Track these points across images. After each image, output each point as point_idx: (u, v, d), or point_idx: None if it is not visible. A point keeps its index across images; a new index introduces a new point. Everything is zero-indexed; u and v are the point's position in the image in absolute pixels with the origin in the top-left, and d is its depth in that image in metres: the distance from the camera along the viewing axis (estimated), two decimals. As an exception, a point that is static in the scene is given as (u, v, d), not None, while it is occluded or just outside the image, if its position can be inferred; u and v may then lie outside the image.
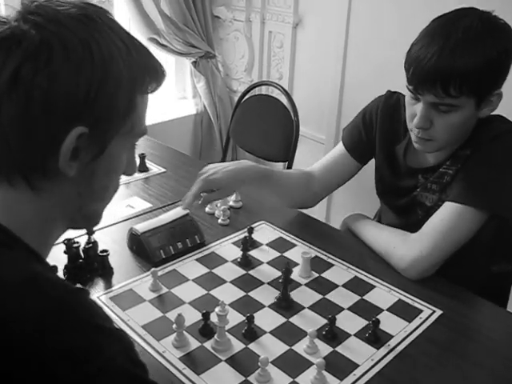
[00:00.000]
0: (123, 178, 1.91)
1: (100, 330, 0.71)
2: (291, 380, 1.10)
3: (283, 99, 2.82)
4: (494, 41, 1.28)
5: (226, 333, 1.19)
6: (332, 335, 1.21)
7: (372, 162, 1.68)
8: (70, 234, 1.48)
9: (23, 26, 0.74)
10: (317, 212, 2.98)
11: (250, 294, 1.35)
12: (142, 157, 2.00)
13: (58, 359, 0.66)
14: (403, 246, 1.42)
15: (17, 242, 0.76)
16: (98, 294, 1.33)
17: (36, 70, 0.72)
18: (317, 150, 2.96)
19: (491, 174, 1.38)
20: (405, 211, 1.59)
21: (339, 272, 1.45)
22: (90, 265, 1.39)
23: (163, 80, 0.87)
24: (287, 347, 1.18)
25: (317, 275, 1.43)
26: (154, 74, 0.85)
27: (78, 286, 1.31)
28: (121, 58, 0.77)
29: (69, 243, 1.36)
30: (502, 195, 1.39)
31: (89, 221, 0.91)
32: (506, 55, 1.31)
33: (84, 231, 1.45)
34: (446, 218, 1.38)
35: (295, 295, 1.34)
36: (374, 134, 1.62)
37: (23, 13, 0.75)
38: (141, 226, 1.49)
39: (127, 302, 1.31)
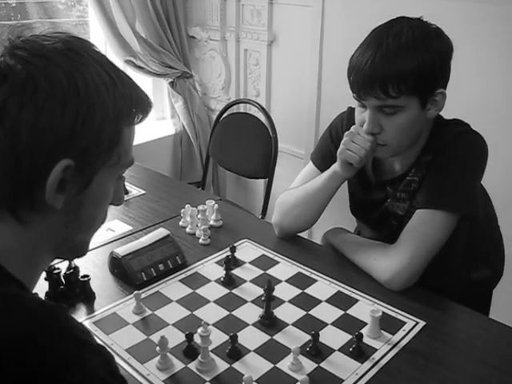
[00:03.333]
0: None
1: (80, 344, 0.71)
2: (277, 398, 1.10)
3: (261, 116, 2.84)
4: (424, 44, 1.33)
5: (210, 353, 1.19)
6: (316, 351, 1.21)
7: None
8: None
9: (9, 61, 0.74)
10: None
11: (233, 312, 1.35)
12: (121, 180, 2.00)
13: (38, 373, 0.66)
14: (383, 259, 1.44)
15: None
16: (80, 319, 1.32)
17: (22, 104, 0.72)
18: (296, 165, 2.96)
19: (454, 176, 1.42)
20: (379, 223, 1.61)
21: (322, 287, 1.46)
22: (72, 290, 1.38)
23: (149, 111, 0.88)
24: (271, 365, 1.18)
25: (300, 291, 1.43)
26: (140, 106, 0.85)
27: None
28: (106, 91, 0.78)
29: (49, 270, 1.35)
30: (467, 194, 1.43)
31: (76, 251, 0.91)
32: (439, 56, 1.35)
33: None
34: (420, 226, 1.41)
35: (278, 312, 1.34)
36: None
37: (9, 48, 0.76)
38: (121, 250, 1.49)
39: (111, 325, 1.30)
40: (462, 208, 1.42)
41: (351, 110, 1.64)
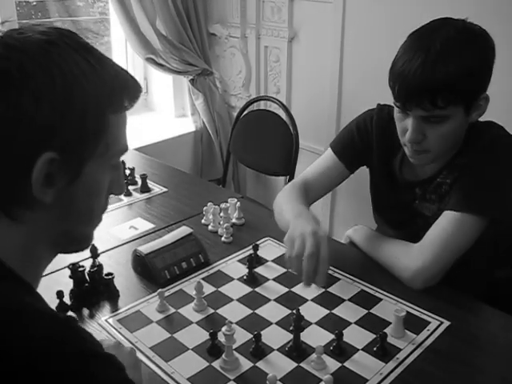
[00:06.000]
0: (125, 200, 1.92)
1: (91, 356, 0.71)
2: (301, 397, 1.10)
3: (281, 113, 2.83)
4: (472, 48, 1.31)
5: (234, 351, 1.19)
6: (340, 350, 1.21)
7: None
8: (74, 258, 1.49)
9: None
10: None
11: (256, 311, 1.35)
12: (144, 177, 2.01)
13: None
14: (406, 257, 1.43)
15: (7, 273, 0.75)
16: (105, 317, 1.33)
17: None
18: (317, 163, 2.96)
19: (488, 180, 1.40)
20: (404, 224, 1.60)
21: (345, 286, 1.45)
22: (96, 288, 1.39)
23: (137, 96, 0.86)
24: (295, 364, 1.18)
25: (323, 290, 1.43)
26: (126, 92, 0.84)
27: (69, 313, 1.32)
28: (86, 81, 0.77)
29: (74, 267, 1.36)
30: (500, 200, 1.40)
31: (78, 244, 0.90)
32: (485, 59, 1.33)
33: (88, 254, 1.45)
34: (446, 227, 1.39)
35: (302, 311, 1.34)
36: (371, 143, 1.62)
37: None
38: (145, 248, 1.49)
39: (135, 323, 1.31)
40: (494, 214, 1.39)
41: (381, 108, 1.62)
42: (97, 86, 0.78)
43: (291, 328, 1.22)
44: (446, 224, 1.40)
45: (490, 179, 1.39)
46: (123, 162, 2.10)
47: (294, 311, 1.23)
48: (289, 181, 2.72)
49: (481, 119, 1.44)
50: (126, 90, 0.84)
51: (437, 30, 1.33)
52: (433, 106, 1.29)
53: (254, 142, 2.91)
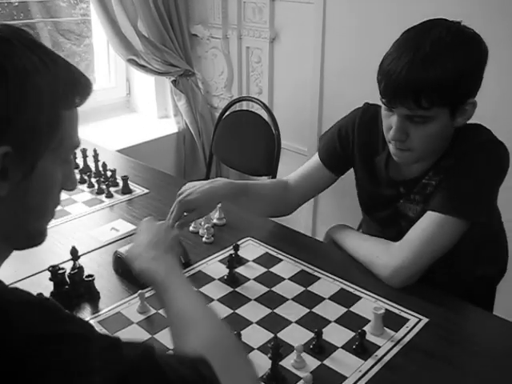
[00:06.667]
0: (106, 202, 1.92)
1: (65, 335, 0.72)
2: (280, 396, 1.11)
3: (264, 114, 2.84)
4: (463, 52, 1.29)
5: (215, 352, 1.19)
6: (319, 349, 1.22)
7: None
8: (54, 260, 1.49)
9: None
10: (303, 224, 3.00)
11: (237, 311, 1.36)
12: (125, 179, 2.01)
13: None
14: (386, 255, 1.44)
15: None
16: (85, 318, 1.33)
17: None
18: (299, 162, 2.96)
19: (474, 184, 1.39)
20: (388, 223, 1.61)
21: (325, 285, 1.46)
22: (77, 290, 1.39)
23: (88, 93, 0.87)
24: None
25: (303, 289, 1.44)
26: (78, 88, 0.85)
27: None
28: (38, 76, 0.77)
29: (54, 270, 1.36)
30: (482, 204, 1.41)
31: (32, 239, 0.90)
32: (476, 65, 1.32)
33: (69, 257, 1.45)
34: (428, 227, 1.40)
35: (282, 310, 1.35)
36: (351, 148, 1.64)
37: None
38: (125, 249, 1.49)
39: (115, 325, 1.31)
40: (474, 217, 1.40)
41: (367, 107, 1.64)
42: (50, 81, 0.79)
43: (269, 355, 1.16)
44: (427, 224, 1.40)
45: (475, 183, 1.39)
46: (104, 164, 2.10)
47: (272, 340, 1.17)
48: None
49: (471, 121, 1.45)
50: (77, 86, 0.85)
51: (429, 30, 1.32)
52: (417, 106, 1.30)
53: (237, 143, 2.91)
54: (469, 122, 1.43)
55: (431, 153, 1.44)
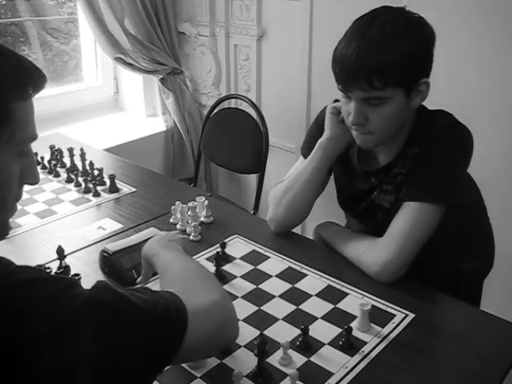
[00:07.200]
0: (93, 201, 1.91)
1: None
2: (267, 393, 1.11)
3: (252, 111, 2.84)
4: (408, 34, 1.35)
5: (201, 349, 1.19)
6: (306, 345, 1.22)
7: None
8: (40, 259, 1.49)
9: None
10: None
11: (224, 308, 1.35)
12: (112, 177, 2.01)
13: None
14: (372, 251, 1.45)
15: None
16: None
17: None
18: (287, 159, 2.97)
19: (440, 168, 1.43)
20: (365, 215, 1.62)
21: (312, 281, 1.46)
22: (63, 290, 1.38)
23: (41, 83, 0.87)
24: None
25: (290, 286, 1.44)
26: (29, 79, 0.85)
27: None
28: None
29: (40, 269, 1.35)
30: (453, 186, 1.44)
31: None
32: (423, 46, 1.38)
33: (55, 256, 1.44)
34: (407, 218, 1.42)
35: (269, 307, 1.35)
36: None
37: None
38: (112, 246, 1.49)
39: (102, 324, 1.30)
40: (448, 199, 1.43)
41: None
42: None
43: (255, 352, 1.13)
44: (406, 215, 1.43)
45: (444, 166, 1.43)
46: (92, 163, 2.10)
47: (258, 338, 1.14)
48: (260, 178, 2.74)
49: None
50: (29, 78, 0.85)
51: (376, 16, 1.39)
52: (370, 87, 1.34)
53: (225, 141, 2.91)
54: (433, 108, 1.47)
55: (393, 135, 1.46)
